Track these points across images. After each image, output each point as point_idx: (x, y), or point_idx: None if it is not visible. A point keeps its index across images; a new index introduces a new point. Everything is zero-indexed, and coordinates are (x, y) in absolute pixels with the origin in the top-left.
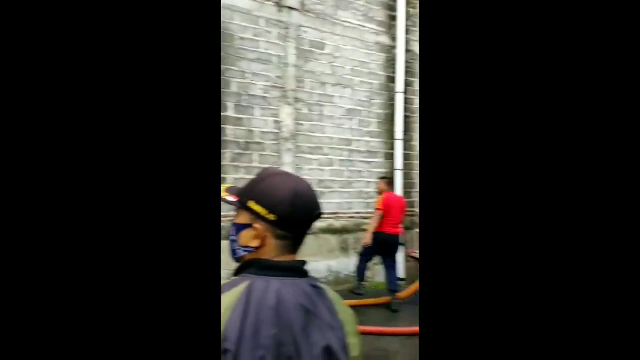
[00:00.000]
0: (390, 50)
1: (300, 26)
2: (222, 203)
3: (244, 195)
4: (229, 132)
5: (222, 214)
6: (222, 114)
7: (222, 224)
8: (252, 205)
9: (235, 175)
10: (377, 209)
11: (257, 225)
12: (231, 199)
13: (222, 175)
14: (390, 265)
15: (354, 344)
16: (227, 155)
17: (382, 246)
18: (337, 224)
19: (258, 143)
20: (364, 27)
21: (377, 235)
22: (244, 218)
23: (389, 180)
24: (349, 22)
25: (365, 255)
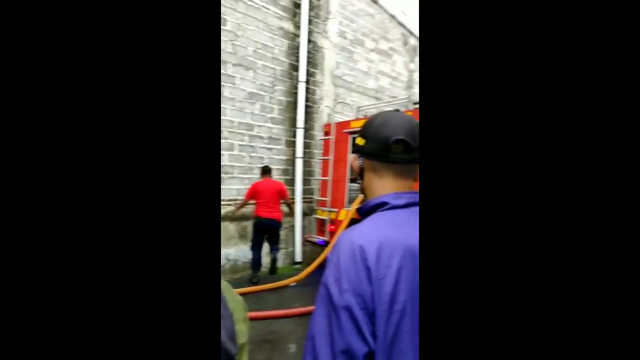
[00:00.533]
0: (294, 38)
1: None
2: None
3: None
4: None
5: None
6: None
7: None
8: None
9: None
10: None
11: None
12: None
13: None
14: (273, 248)
15: (242, 331)
16: None
17: (261, 229)
18: (236, 211)
19: None
20: (268, 9)
21: (255, 220)
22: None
23: (263, 168)
24: (252, 1)
25: (253, 243)
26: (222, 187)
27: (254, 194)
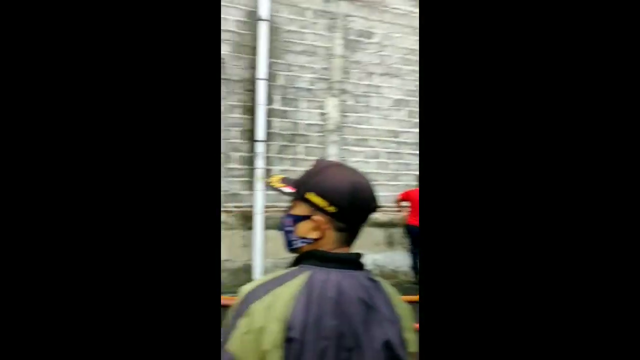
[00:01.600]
0: None
1: (348, 15)
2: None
3: (301, 186)
4: (275, 124)
5: (265, 204)
6: (268, 106)
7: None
8: (311, 197)
9: (280, 167)
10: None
11: (317, 217)
12: (287, 189)
13: (266, 167)
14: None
15: (411, 340)
16: (272, 147)
17: (412, 237)
18: (383, 217)
19: (303, 135)
20: (415, 13)
21: (406, 228)
22: (301, 209)
23: None
24: (398, 9)
25: (410, 250)
26: None
27: (406, 200)
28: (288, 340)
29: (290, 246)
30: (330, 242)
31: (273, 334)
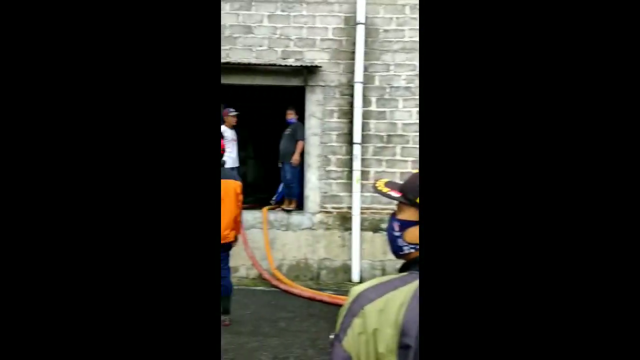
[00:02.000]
0: None
1: None
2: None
3: (411, 191)
4: (372, 126)
5: (362, 205)
6: (364, 108)
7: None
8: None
9: (377, 168)
10: None
11: None
12: (394, 193)
13: (364, 169)
14: None
15: None
16: (369, 149)
17: None
18: None
19: (400, 136)
20: None
21: None
22: (410, 214)
23: None
24: None
25: None
26: None
27: None
28: (403, 347)
29: (398, 251)
30: None
31: (387, 339)
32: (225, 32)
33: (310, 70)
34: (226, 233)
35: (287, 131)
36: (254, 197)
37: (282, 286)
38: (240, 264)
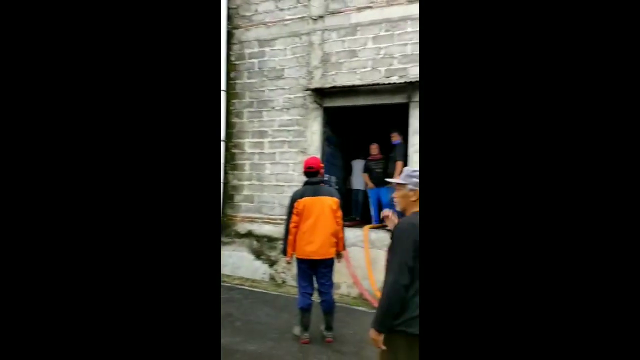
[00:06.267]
0: None
1: None
2: None
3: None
4: None
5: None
6: None
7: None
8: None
9: None
10: None
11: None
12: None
13: None
14: None
15: None
16: None
17: None
18: None
19: None
20: None
21: None
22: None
23: None
24: None
25: None
26: None
27: None
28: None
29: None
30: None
31: None
32: (332, 59)
33: (414, 86)
34: (326, 249)
35: (392, 154)
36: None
37: None
38: (342, 281)
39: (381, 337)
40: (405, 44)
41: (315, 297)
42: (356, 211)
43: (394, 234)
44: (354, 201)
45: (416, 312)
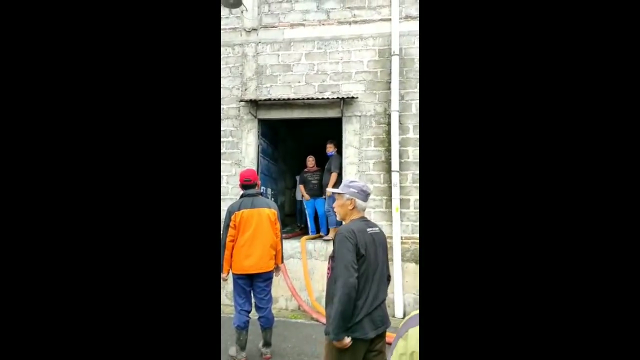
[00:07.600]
0: None
1: None
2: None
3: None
4: (410, 153)
5: (402, 235)
6: (402, 136)
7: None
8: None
9: (416, 196)
10: None
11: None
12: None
13: (403, 197)
14: None
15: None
16: (408, 177)
17: None
18: None
19: None
20: None
21: None
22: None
23: None
24: None
25: None
26: None
27: None
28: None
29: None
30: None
31: None
32: (266, 72)
33: (346, 102)
34: (265, 261)
35: (327, 165)
36: (291, 227)
37: (322, 319)
38: (280, 294)
39: (347, 340)
40: (337, 62)
41: (253, 314)
42: (301, 220)
43: (336, 240)
44: (298, 210)
45: (358, 317)
